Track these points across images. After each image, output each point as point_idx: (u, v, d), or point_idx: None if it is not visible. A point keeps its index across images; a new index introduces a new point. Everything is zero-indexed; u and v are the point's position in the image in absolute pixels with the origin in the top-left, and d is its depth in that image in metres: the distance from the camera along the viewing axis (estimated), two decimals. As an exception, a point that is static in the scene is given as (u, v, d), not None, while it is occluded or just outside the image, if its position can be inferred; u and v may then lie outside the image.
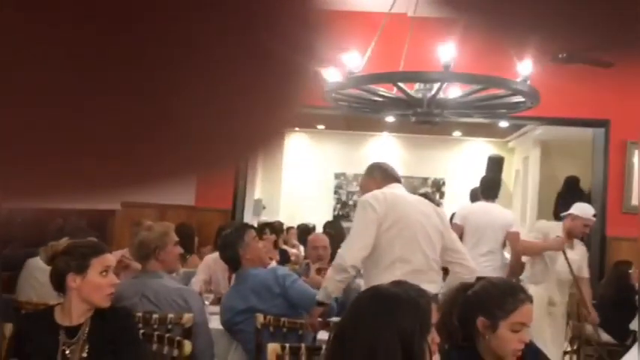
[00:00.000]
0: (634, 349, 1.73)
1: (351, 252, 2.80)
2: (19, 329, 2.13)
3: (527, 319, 1.78)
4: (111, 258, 2.14)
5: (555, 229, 4.40)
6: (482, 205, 4.76)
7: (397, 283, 1.58)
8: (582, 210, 4.36)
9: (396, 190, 3.06)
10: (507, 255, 4.72)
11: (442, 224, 3.04)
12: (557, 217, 8.07)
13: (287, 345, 2.37)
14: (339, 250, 2.90)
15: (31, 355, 1.99)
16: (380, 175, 3.16)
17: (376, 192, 2.98)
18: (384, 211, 2.83)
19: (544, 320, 4.16)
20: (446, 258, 3.00)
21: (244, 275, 3.09)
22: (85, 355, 1.95)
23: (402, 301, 1.32)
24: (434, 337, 1.67)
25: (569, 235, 4.32)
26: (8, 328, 2.27)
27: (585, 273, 4.51)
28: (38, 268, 3.20)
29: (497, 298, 1.80)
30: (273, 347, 2.35)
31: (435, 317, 1.69)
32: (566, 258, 4.23)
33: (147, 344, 2.42)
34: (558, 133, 8.46)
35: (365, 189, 3.11)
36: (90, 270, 2.04)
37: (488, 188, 4.82)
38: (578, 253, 4.38)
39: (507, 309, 1.77)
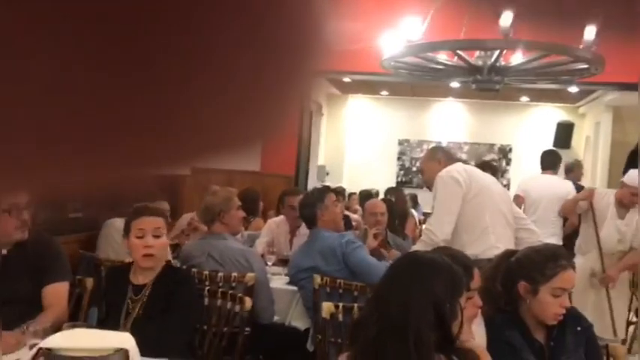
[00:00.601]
0: None
1: (440, 227, 2.97)
2: (99, 282, 2.36)
3: (567, 285, 1.84)
4: (148, 221, 2.23)
5: (603, 196, 4.14)
6: (541, 176, 4.96)
7: (438, 250, 1.67)
8: (630, 177, 4.06)
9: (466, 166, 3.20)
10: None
11: (508, 195, 3.28)
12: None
13: (340, 304, 2.51)
14: (427, 227, 3.06)
15: (107, 306, 2.20)
16: (444, 157, 3.29)
17: (456, 166, 3.16)
18: (468, 183, 3.01)
19: (586, 292, 4.07)
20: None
21: (316, 235, 3.21)
22: (141, 312, 2.14)
23: (436, 266, 1.41)
24: (475, 301, 1.76)
25: (620, 203, 4.05)
26: (89, 282, 2.53)
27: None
28: (115, 228, 3.48)
29: (538, 263, 1.86)
30: (327, 305, 2.49)
31: (476, 283, 1.78)
32: (594, 215, 4.05)
33: (202, 305, 2.61)
34: (630, 98, 8.10)
35: (429, 172, 3.25)
36: (130, 232, 2.24)
37: (547, 161, 5.00)
38: (628, 223, 4.06)
39: (548, 274, 1.83)
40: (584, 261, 4.13)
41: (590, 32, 3.56)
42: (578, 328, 1.90)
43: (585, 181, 10.24)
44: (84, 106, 0.19)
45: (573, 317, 1.92)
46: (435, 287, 1.35)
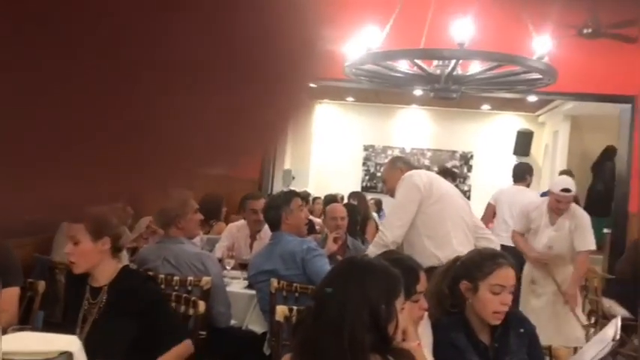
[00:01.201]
0: (614, 321, 1.83)
1: (391, 229, 3.02)
2: (53, 286, 2.34)
3: (505, 282, 1.90)
4: (70, 227, 2.22)
5: (537, 206, 4.23)
6: (513, 187, 5.49)
7: (385, 254, 1.73)
8: (554, 184, 4.17)
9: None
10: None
11: (468, 203, 3.35)
12: (590, 191, 8.04)
13: (294, 307, 2.54)
14: (380, 227, 3.12)
15: (66, 308, 2.19)
16: (405, 166, 3.37)
17: (418, 171, 3.26)
18: (428, 189, 3.07)
19: (528, 299, 4.17)
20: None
21: (279, 239, 3.21)
22: (98, 315, 2.13)
23: (372, 268, 1.45)
24: (421, 303, 1.81)
25: (552, 210, 4.10)
26: (41, 285, 2.51)
27: (580, 246, 4.04)
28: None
29: (477, 262, 1.96)
30: (281, 309, 2.52)
31: (422, 286, 1.83)
32: (553, 276, 4.08)
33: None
34: (588, 108, 8.36)
35: (391, 181, 3.32)
36: None
37: (519, 173, 5.55)
38: (559, 229, 4.08)
39: (486, 271, 1.91)
40: (525, 269, 4.25)
41: (542, 43, 3.67)
42: (522, 330, 1.97)
43: (543, 188, 10.50)
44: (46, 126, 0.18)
45: (517, 319, 1.99)
46: (370, 289, 1.39)
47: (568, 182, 4.07)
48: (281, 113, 0.24)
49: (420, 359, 1.43)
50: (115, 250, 2.24)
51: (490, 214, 5.51)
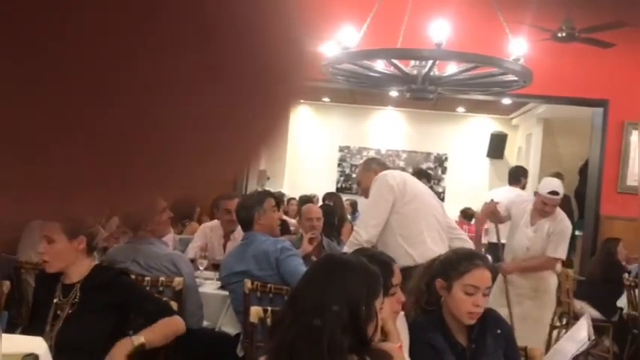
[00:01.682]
0: (583, 320, 1.83)
1: (366, 228, 3.01)
2: (18, 286, 2.26)
3: (479, 283, 1.89)
4: (45, 226, 2.17)
5: (521, 203, 4.23)
6: (507, 188, 5.81)
7: (357, 251, 1.70)
8: (542, 186, 4.09)
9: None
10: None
11: (441, 204, 3.36)
12: (577, 193, 8.12)
13: (269, 308, 2.49)
14: (355, 227, 3.12)
15: (35, 307, 2.13)
16: (379, 166, 3.37)
17: (392, 171, 3.26)
18: (402, 188, 3.06)
19: (501, 299, 4.14)
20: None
21: (251, 238, 3.15)
22: (70, 312, 2.09)
23: (352, 266, 1.42)
24: (398, 296, 1.79)
25: (536, 211, 4.05)
26: (6, 285, 2.42)
27: (550, 252, 4.01)
28: (37, 229, 3.34)
29: (454, 260, 1.94)
30: (256, 310, 2.48)
31: (397, 279, 1.81)
32: (497, 230, 4.20)
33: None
34: (561, 111, 8.47)
35: (365, 182, 3.31)
36: None
37: (513, 175, 5.96)
38: (537, 230, 4.04)
39: (461, 270, 1.90)
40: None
41: (518, 45, 3.69)
42: (498, 331, 1.96)
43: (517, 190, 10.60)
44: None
45: (494, 320, 1.98)
46: (350, 289, 1.36)
47: (556, 185, 4.02)
48: (269, 122, 0.24)
49: (398, 358, 1.40)
50: (90, 249, 2.21)
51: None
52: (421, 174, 7.31)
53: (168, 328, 2.14)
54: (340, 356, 1.27)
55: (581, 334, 1.70)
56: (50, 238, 2.09)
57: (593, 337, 1.63)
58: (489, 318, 1.96)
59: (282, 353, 1.33)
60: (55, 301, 2.11)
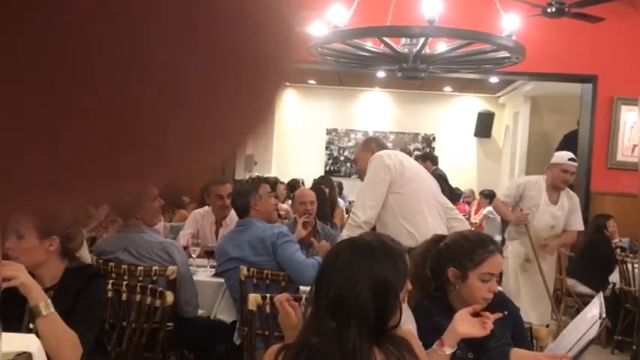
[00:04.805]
0: (596, 299, 1.80)
1: (363, 209, 2.95)
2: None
3: (495, 270, 1.84)
4: (16, 220, 1.95)
5: (535, 183, 4.21)
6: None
7: (375, 235, 1.62)
8: (557, 156, 4.17)
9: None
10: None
11: (437, 184, 3.30)
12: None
13: (267, 295, 2.43)
14: (352, 209, 3.06)
15: (9, 312, 1.93)
16: (377, 147, 3.30)
17: (388, 151, 3.19)
18: (399, 169, 3.01)
19: (519, 275, 4.20)
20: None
21: (248, 224, 3.08)
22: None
23: (378, 249, 1.35)
24: (407, 284, 1.73)
25: (553, 187, 4.10)
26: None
27: (575, 226, 4.20)
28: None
29: (467, 249, 1.86)
30: (254, 297, 2.41)
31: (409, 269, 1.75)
32: (530, 235, 4.07)
33: (119, 300, 2.46)
34: (548, 88, 8.46)
35: (362, 161, 3.27)
36: None
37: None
38: (561, 208, 4.13)
39: (477, 260, 1.83)
40: (517, 247, 4.23)
41: (510, 21, 3.63)
42: (506, 312, 1.91)
43: (505, 169, 10.65)
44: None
45: (500, 301, 1.93)
46: (376, 272, 1.28)
47: (571, 153, 4.12)
48: (258, 107, 0.24)
49: (415, 343, 1.34)
50: (64, 253, 2.02)
51: None
52: (427, 157, 7.29)
53: (65, 339, 1.73)
54: (364, 353, 1.21)
55: (592, 312, 1.66)
56: (20, 233, 1.90)
57: (604, 316, 1.59)
58: (496, 300, 1.91)
59: (300, 350, 1.26)
60: (26, 311, 1.87)
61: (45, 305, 1.69)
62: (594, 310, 1.71)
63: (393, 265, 1.36)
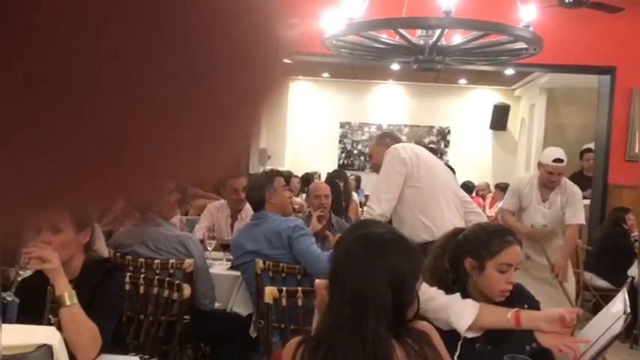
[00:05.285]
0: (620, 294, 1.77)
1: (379, 202, 2.94)
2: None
3: (513, 260, 1.82)
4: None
5: (528, 181, 4.07)
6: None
7: (386, 227, 1.61)
8: (545, 156, 3.93)
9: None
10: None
11: (454, 177, 3.32)
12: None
13: (284, 288, 2.43)
14: (368, 202, 3.06)
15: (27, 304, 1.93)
16: (391, 140, 3.29)
17: (404, 144, 3.17)
18: (415, 161, 3.00)
19: (521, 276, 4.03)
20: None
21: (263, 217, 3.08)
22: None
23: (392, 242, 1.34)
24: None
25: (543, 185, 3.93)
26: (12, 271, 2.34)
27: (573, 219, 3.91)
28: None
29: (484, 239, 1.84)
30: (270, 290, 2.41)
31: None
32: (546, 254, 3.90)
33: (137, 294, 2.46)
34: (564, 80, 8.36)
35: (377, 155, 3.26)
36: None
37: None
38: (552, 206, 3.94)
39: (494, 250, 1.81)
40: None
41: (529, 10, 3.58)
42: (526, 306, 1.89)
43: (520, 162, 10.56)
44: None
45: (520, 294, 1.91)
46: (391, 265, 1.27)
47: (559, 152, 3.90)
48: (249, 122, 0.24)
49: (435, 336, 1.32)
50: (87, 247, 2.02)
51: None
52: (432, 152, 7.23)
53: (86, 331, 1.74)
54: (385, 347, 1.20)
55: (616, 307, 1.64)
56: (57, 227, 1.88)
57: (629, 311, 1.56)
58: (515, 292, 1.89)
59: (320, 343, 1.25)
60: (47, 305, 1.89)
61: (69, 296, 1.72)
62: (618, 305, 1.69)
63: (407, 255, 1.35)
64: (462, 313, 1.69)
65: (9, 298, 1.66)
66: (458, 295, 1.78)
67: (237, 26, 0.21)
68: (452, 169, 4.50)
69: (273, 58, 0.24)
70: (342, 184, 5.15)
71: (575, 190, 3.98)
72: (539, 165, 3.98)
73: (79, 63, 0.18)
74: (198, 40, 0.20)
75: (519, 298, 1.90)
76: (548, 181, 3.88)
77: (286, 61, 0.25)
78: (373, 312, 1.22)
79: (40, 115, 0.18)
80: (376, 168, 3.25)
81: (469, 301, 1.74)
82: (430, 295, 1.74)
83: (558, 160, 3.83)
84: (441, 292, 1.79)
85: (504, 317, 1.70)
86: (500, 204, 7.83)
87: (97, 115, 0.19)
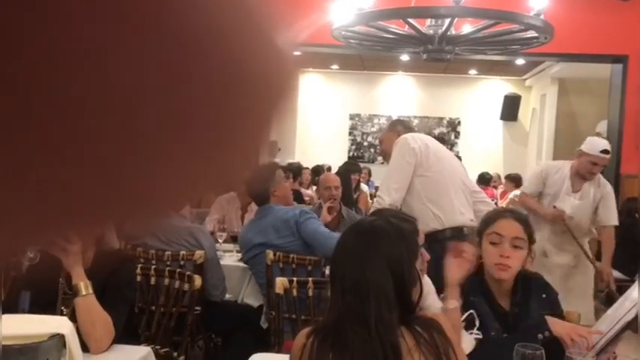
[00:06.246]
0: (636, 284, 1.74)
1: (388, 192, 2.94)
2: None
3: (502, 230, 1.84)
4: None
5: (559, 169, 3.83)
6: None
7: (378, 213, 1.62)
8: (590, 145, 3.71)
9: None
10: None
11: (463, 167, 3.27)
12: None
13: (294, 279, 2.44)
14: (378, 192, 3.06)
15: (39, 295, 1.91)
16: (403, 129, 3.27)
17: (414, 134, 3.15)
18: (424, 151, 3.00)
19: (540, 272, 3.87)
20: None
21: (268, 210, 3.09)
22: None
23: (386, 230, 1.34)
24: (424, 255, 1.72)
25: (579, 175, 3.71)
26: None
27: (609, 220, 3.73)
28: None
29: (486, 215, 1.95)
30: (281, 281, 2.42)
31: (422, 239, 1.76)
32: (572, 233, 3.68)
33: (148, 285, 2.47)
34: (576, 70, 8.28)
35: (387, 143, 3.24)
36: None
37: None
38: (583, 197, 3.72)
39: (488, 222, 1.88)
40: (537, 240, 4.01)
41: (539, 0, 3.54)
42: (544, 296, 1.89)
43: (531, 152, 10.49)
44: None
45: (539, 285, 1.91)
46: (388, 257, 1.28)
47: (605, 143, 3.70)
48: (261, 132, 0.24)
49: (451, 323, 1.32)
50: (100, 238, 2.01)
51: None
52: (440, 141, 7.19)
53: (99, 320, 1.75)
54: (390, 332, 1.20)
55: (632, 295, 1.62)
56: None
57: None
58: (534, 282, 1.89)
59: (328, 334, 1.25)
60: (59, 295, 1.89)
61: (85, 285, 1.75)
62: (634, 296, 1.67)
63: (401, 237, 1.36)
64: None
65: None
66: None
67: (243, 34, 0.21)
68: (459, 158, 4.45)
69: (283, 62, 0.24)
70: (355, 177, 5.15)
71: (609, 187, 3.81)
72: (581, 154, 3.71)
73: (81, 85, 0.18)
74: (202, 48, 0.20)
75: (539, 288, 1.90)
76: (588, 172, 3.66)
77: (296, 53, 0.25)
78: (374, 298, 1.23)
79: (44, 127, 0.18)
80: (385, 155, 3.25)
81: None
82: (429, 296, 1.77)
83: (606, 152, 3.64)
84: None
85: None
86: (511, 195, 7.81)
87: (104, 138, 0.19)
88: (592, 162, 3.63)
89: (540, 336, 1.72)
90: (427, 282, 1.85)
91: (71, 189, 0.19)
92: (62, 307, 1.88)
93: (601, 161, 3.65)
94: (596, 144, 3.71)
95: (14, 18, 0.17)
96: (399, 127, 3.29)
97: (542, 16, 3.61)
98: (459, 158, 4.12)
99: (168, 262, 2.77)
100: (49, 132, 0.18)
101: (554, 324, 1.69)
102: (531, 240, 1.89)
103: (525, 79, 10.76)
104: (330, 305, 1.32)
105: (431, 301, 1.81)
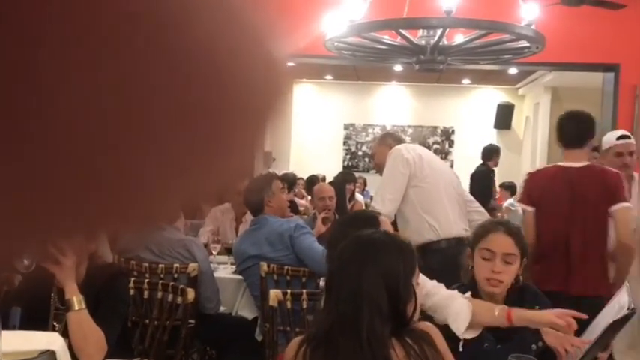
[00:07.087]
0: (623, 288, 1.75)
1: (383, 203, 2.95)
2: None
3: (494, 246, 1.81)
4: None
5: None
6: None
7: (371, 218, 1.63)
8: (606, 139, 3.26)
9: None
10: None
11: (457, 177, 3.27)
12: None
13: (288, 291, 2.43)
14: (372, 203, 3.07)
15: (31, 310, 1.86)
16: (394, 141, 3.29)
17: (407, 145, 3.17)
18: (418, 161, 3.00)
19: None
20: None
21: (263, 221, 3.07)
22: None
23: (384, 244, 1.34)
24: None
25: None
26: (17, 277, 2.35)
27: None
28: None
29: (479, 227, 1.92)
30: (274, 293, 2.41)
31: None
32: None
33: (141, 298, 2.45)
34: (569, 79, 8.33)
35: (380, 156, 3.26)
36: None
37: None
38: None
39: (480, 236, 1.86)
40: None
41: (531, 9, 3.57)
42: (537, 307, 1.89)
43: (525, 160, 10.53)
44: None
45: (532, 295, 1.91)
46: (385, 271, 1.28)
47: (621, 131, 3.27)
48: (239, 156, 0.24)
49: (437, 337, 1.32)
50: (93, 252, 2.00)
51: None
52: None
53: (92, 336, 1.73)
54: (381, 344, 1.20)
55: (620, 301, 1.62)
56: None
57: (632, 306, 1.54)
58: (527, 293, 1.89)
59: (320, 343, 1.25)
60: (51, 310, 1.87)
61: (78, 300, 1.73)
62: (621, 300, 1.67)
63: (398, 251, 1.36)
64: (459, 315, 1.69)
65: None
66: (456, 291, 1.78)
67: (236, 44, 0.21)
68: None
69: (276, 72, 0.24)
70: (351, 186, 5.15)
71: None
72: (602, 156, 3.25)
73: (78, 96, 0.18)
74: (199, 54, 0.20)
75: (531, 299, 1.89)
76: (621, 165, 3.04)
77: (289, 64, 0.25)
78: (367, 309, 1.23)
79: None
80: (379, 168, 3.26)
81: (464, 302, 1.73)
82: (428, 291, 1.74)
83: (624, 137, 3.15)
84: (441, 286, 1.80)
85: (492, 314, 1.69)
86: (506, 203, 7.82)
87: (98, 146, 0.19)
88: (617, 153, 3.12)
89: (534, 346, 1.72)
90: (423, 279, 1.81)
91: (63, 197, 0.19)
92: (54, 323, 1.86)
93: (625, 148, 3.11)
94: (610, 135, 3.32)
95: (14, 18, 0.16)
96: (390, 140, 3.31)
97: (533, 26, 3.64)
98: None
99: (162, 275, 2.76)
100: (39, 141, 0.18)
101: (548, 334, 1.68)
102: (523, 252, 1.88)
103: (518, 88, 10.82)
104: (322, 314, 1.32)
105: (430, 287, 1.79)
